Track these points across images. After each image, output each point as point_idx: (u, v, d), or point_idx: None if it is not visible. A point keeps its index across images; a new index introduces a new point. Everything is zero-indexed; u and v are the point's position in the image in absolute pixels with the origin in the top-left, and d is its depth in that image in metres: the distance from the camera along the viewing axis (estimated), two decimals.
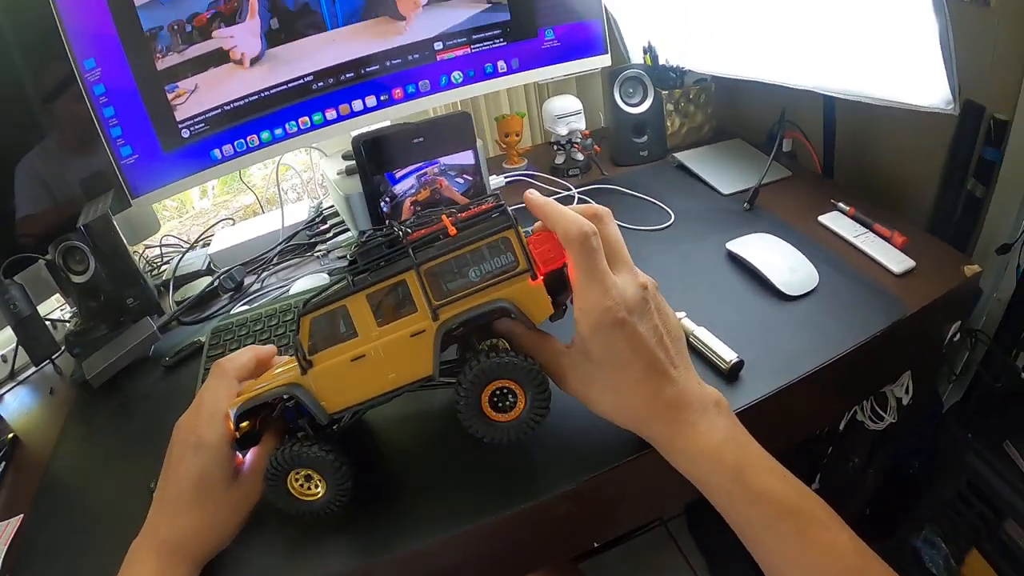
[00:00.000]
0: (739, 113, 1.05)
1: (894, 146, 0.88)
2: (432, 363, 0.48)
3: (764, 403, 0.57)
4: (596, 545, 0.63)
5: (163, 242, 1.11)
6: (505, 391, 0.49)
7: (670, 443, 0.45)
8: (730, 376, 0.59)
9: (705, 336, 0.62)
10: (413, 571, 0.53)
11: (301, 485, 0.51)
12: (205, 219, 1.15)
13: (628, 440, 0.51)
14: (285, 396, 0.50)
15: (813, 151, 0.92)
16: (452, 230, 0.47)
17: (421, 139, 0.79)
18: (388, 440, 0.60)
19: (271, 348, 0.57)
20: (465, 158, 0.80)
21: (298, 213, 1.09)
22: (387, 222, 0.54)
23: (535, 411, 0.49)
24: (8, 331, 0.98)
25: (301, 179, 1.22)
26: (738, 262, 0.74)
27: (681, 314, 0.64)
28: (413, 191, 0.79)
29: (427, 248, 0.48)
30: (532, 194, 0.49)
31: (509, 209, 0.48)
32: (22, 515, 0.69)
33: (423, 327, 0.47)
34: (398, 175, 0.79)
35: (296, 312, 0.51)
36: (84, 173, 0.97)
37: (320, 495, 0.51)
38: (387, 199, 0.79)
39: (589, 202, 0.89)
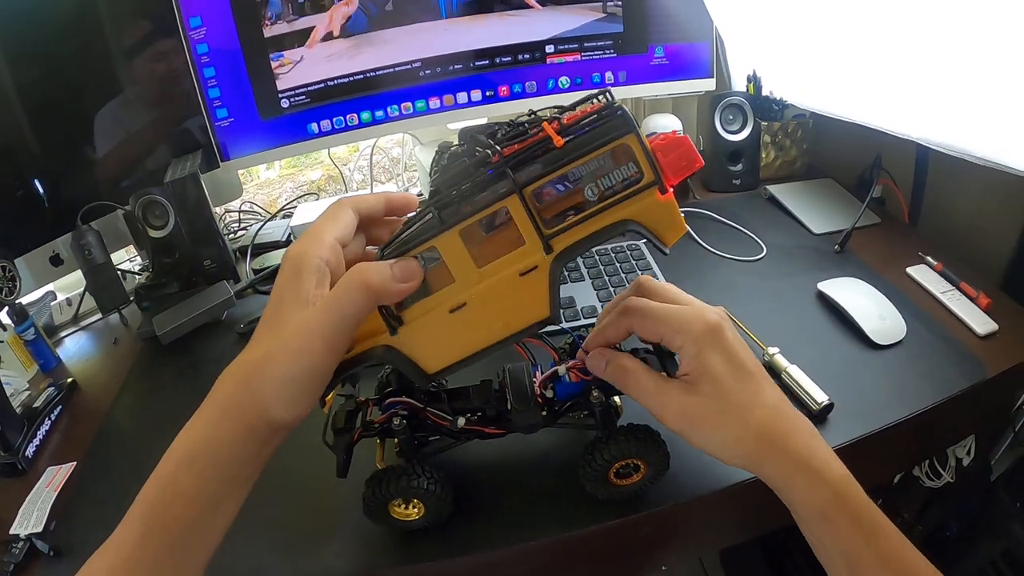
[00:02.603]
0: (831, 151, 1.03)
1: (977, 198, 0.86)
2: (549, 303, 0.40)
3: (842, 450, 0.56)
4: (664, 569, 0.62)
5: (242, 208, 1.11)
6: (630, 465, 0.49)
7: (789, 462, 0.42)
8: (819, 417, 0.58)
9: (797, 374, 0.61)
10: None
11: (400, 507, 0.50)
12: (270, 189, 1.14)
13: (713, 472, 0.52)
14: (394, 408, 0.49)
15: (903, 200, 0.90)
16: (558, 140, 0.37)
17: None
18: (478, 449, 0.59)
19: (409, 196, 0.46)
20: None
21: None
22: (469, 135, 0.41)
23: (653, 478, 0.50)
24: (75, 275, 0.98)
25: (390, 161, 1.21)
26: (828, 304, 0.73)
27: (774, 349, 0.64)
28: None
29: (528, 165, 0.37)
30: (587, 343, 0.49)
31: (627, 109, 0.37)
32: (75, 462, 0.68)
33: (534, 262, 0.39)
34: None
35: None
36: (166, 129, 0.97)
37: (417, 516, 0.51)
38: None
39: None
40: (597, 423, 0.51)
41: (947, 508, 0.92)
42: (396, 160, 1.08)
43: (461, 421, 0.50)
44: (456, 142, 0.93)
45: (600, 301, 0.73)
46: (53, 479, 0.66)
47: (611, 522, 0.51)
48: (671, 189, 0.38)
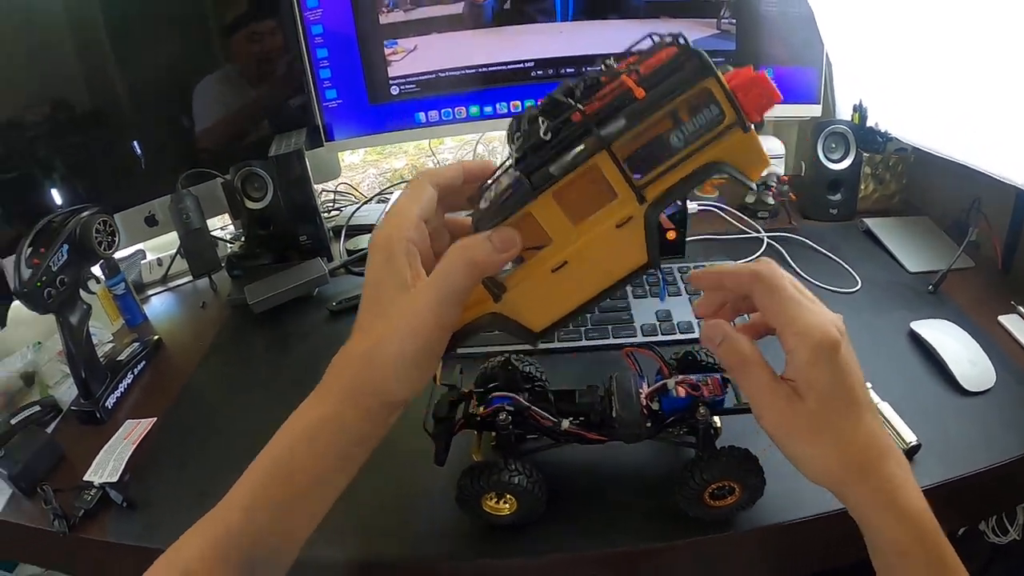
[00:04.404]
0: (928, 187, 1.01)
1: None
2: (647, 250, 0.39)
3: (924, 492, 0.54)
4: None
5: (337, 189, 1.13)
6: (726, 487, 0.48)
7: (875, 492, 0.41)
8: (907, 457, 0.57)
9: (888, 412, 0.61)
10: None
11: (492, 500, 0.50)
12: (353, 174, 1.15)
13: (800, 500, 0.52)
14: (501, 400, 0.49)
15: (998, 247, 0.88)
16: (638, 91, 0.36)
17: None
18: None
19: (486, 162, 0.46)
20: None
21: None
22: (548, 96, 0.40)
23: (747, 503, 0.50)
24: (167, 237, 1.01)
25: (475, 157, 1.22)
26: (920, 344, 0.71)
27: (867, 384, 0.63)
28: None
29: (613, 120, 0.36)
30: (697, 273, 0.46)
31: (703, 51, 0.36)
32: (155, 418, 0.70)
33: (629, 213, 0.38)
34: None
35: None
36: (265, 106, 0.99)
37: (508, 512, 0.51)
38: None
39: (777, 247, 0.87)
40: (697, 441, 0.51)
41: (1011, 566, 0.89)
42: (480, 156, 1.08)
43: (566, 423, 0.51)
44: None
45: (697, 318, 0.73)
46: (131, 432, 0.68)
47: (695, 539, 0.51)
48: (753, 126, 0.37)
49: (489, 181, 0.42)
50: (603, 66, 0.39)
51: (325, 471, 0.39)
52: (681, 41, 0.37)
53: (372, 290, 0.39)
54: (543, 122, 0.37)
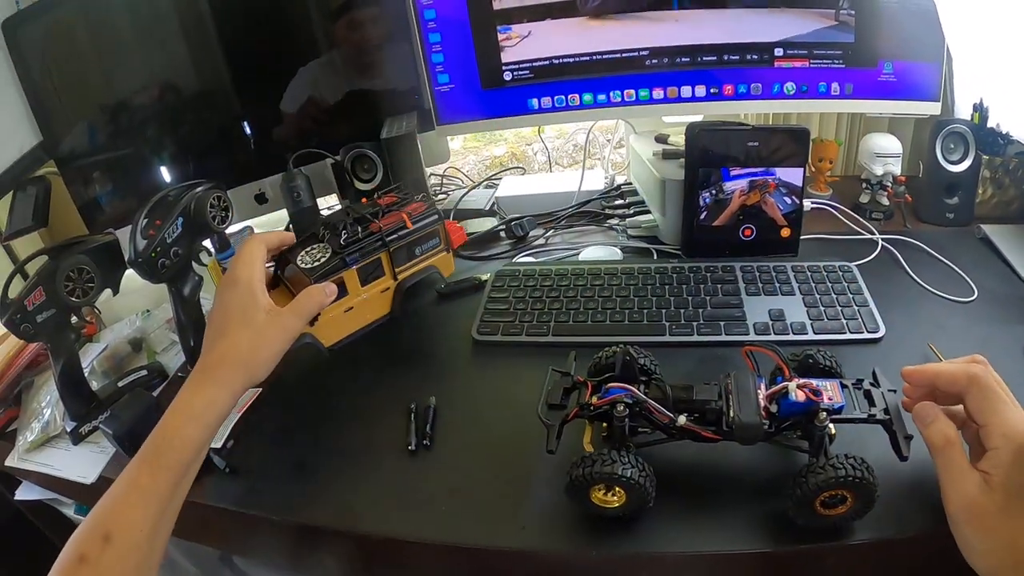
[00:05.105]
0: None
1: None
2: (392, 306, 0.78)
3: None
4: None
5: (445, 173, 1.15)
6: (838, 496, 0.48)
7: None
8: None
9: None
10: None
11: (601, 492, 0.51)
12: (452, 159, 1.16)
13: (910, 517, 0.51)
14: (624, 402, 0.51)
15: None
16: (409, 224, 0.74)
17: (756, 143, 0.77)
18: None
19: (286, 236, 0.70)
20: (793, 175, 0.78)
21: (589, 180, 1.07)
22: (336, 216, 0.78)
23: (858, 513, 0.49)
24: (276, 215, 1.05)
25: (573, 148, 1.22)
26: None
27: None
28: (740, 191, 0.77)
29: (395, 234, 0.74)
30: (910, 369, 0.52)
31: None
32: (260, 389, 0.72)
33: (389, 285, 0.76)
34: (733, 172, 0.77)
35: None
36: (372, 91, 1.01)
37: (617, 505, 0.51)
38: (712, 191, 0.78)
39: (892, 250, 0.85)
40: (812, 447, 0.50)
41: None
42: (579, 147, 1.08)
43: (682, 419, 0.50)
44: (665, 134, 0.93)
45: (810, 319, 0.72)
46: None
47: (802, 547, 0.51)
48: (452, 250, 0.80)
49: (306, 250, 0.70)
50: (373, 208, 0.75)
51: (204, 442, 0.53)
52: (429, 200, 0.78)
53: (238, 309, 0.58)
54: (353, 228, 0.71)
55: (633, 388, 0.51)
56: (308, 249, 0.70)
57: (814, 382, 0.50)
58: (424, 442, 0.62)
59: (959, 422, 0.49)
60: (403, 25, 0.89)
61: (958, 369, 0.49)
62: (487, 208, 0.99)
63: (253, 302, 0.58)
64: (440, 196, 1.10)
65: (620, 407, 0.50)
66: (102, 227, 0.90)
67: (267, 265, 0.66)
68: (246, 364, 0.56)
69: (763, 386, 0.52)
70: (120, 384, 0.77)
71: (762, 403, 0.50)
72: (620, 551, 0.52)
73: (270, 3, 0.95)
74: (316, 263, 0.68)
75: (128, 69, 0.90)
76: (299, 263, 0.68)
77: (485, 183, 1.10)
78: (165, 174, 0.96)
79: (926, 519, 0.50)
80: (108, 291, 0.71)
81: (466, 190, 1.06)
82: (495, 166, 1.26)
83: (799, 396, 0.49)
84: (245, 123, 0.99)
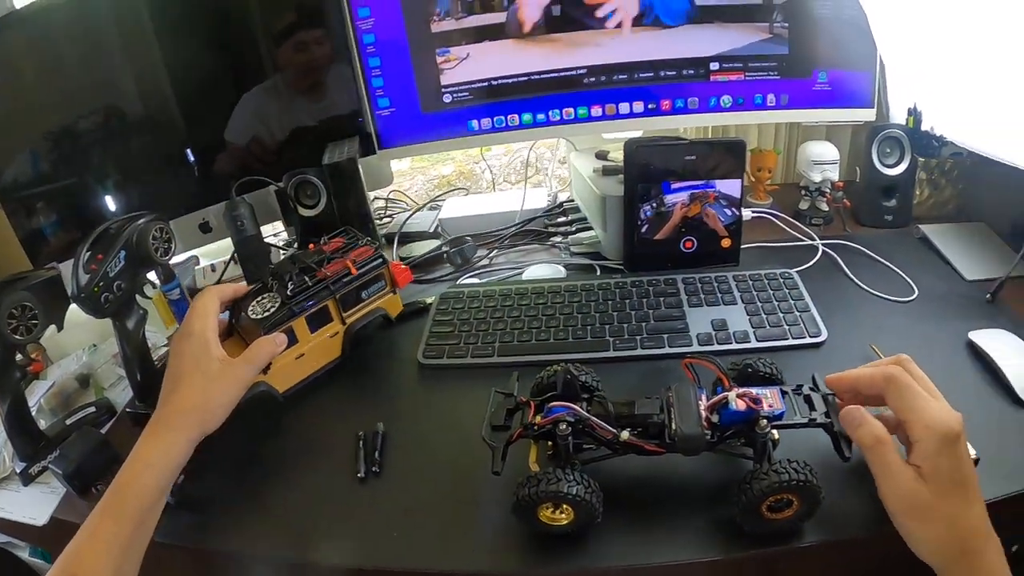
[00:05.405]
0: (984, 194, 0.99)
1: None
2: (343, 349, 0.76)
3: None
4: None
5: (389, 196, 1.14)
6: (784, 500, 0.48)
7: (974, 573, 0.45)
8: None
9: None
10: None
11: (548, 510, 0.51)
12: (400, 180, 1.16)
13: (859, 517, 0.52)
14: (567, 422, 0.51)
15: None
16: (354, 270, 0.74)
17: (693, 157, 0.78)
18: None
19: (245, 288, 0.73)
20: (732, 187, 0.79)
21: (533, 198, 1.08)
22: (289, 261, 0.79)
23: (804, 516, 0.50)
24: (221, 243, 1.03)
25: (538, 166, 1.22)
26: (977, 355, 0.70)
27: None
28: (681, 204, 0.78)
29: (341, 280, 0.74)
30: (833, 377, 0.54)
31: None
32: None
33: (337, 330, 0.75)
34: (674, 185, 0.78)
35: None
36: (316, 115, 1.00)
37: (565, 522, 0.51)
38: (652, 204, 0.79)
39: (833, 255, 0.86)
40: (756, 453, 0.51)
41: None
42: (528, 164, 1.09)
43: (625, 434, 0.51)
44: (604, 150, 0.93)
45: (753, 327, 0.72)
46: None
47: (755, 551, 0.51)
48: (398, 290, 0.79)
49: (256, 299, 0.70)
50: (322, 252, 0.76)
51: (162, 488, 0.55)
52: (375, 244, 0.78)
53: (191, 360, 0.60)
54: (300, 277, 0.72)
55: (575, 406, 0.51)
56: (258, 299, 0.70)
57: (754, 390, 0.50)
58: (373, 468, 0.61)
59: (893, 423, 0.50)
60: (345, 48, 0.88)
61: (875, 371, 0.51)
62: (431, 230, 0.99)
63: (206, 353, 0.60)
64: (385, 219, 1.09)
65: (563, 426, 0.50)
66: (45, 260, 0.88)
67: (222, 315, 0.69)
68: (200, 412, 0.58)
69: (704, 397, 0.52)
70: (68, 422, 0.75)
71: (703, 414, 0.50)
72: (571, 567, 0.51)
73: (216, 25, 0.94)
74: (266, 313, 0.68)
75: (71, 96, 0.88)
76: (250, 314, 0.69)
77: (429, 205, 1.10)
78: (110, 203, 0.94)
79: (874, 518, 0.50)
80: (53, 327, 0.69)
81: (410, 213, 1.06)
82: (443, 185, 1.26)
83: (739, 405, 0.49)
84: (188, 150, 0.97)
